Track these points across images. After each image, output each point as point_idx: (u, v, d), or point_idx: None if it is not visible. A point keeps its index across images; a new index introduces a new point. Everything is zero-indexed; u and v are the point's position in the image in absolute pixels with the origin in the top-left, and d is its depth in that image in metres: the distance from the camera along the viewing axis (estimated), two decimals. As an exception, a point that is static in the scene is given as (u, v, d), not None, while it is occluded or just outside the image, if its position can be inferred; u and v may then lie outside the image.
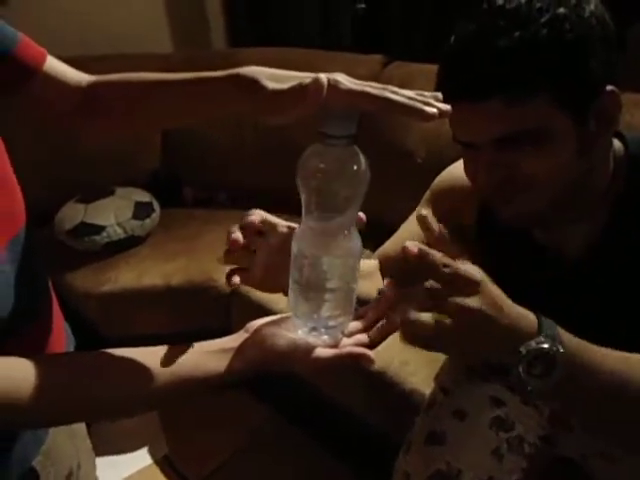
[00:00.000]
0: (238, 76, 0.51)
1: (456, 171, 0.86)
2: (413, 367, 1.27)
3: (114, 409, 0.55)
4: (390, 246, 0.94)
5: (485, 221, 0.81)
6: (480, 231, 0.83)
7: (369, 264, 0.88)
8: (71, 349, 0.71)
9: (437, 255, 0.48)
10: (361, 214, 0.56)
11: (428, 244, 0.53)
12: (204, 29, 2.43)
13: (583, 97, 0.61)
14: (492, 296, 0.50)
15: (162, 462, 1.62)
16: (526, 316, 0.53)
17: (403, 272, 0.51)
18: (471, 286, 0.49)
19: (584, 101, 0.61)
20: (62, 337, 0.67)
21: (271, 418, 1.74)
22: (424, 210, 0.90)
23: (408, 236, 0.91)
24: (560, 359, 0.51)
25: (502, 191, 0.66)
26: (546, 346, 0.51)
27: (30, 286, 0.58)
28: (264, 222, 0.63)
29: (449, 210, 0.85)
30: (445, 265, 0.48)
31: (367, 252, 1.81)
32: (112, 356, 0.51)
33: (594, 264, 0.71)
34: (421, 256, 0.48)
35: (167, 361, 0.51)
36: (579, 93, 0.60)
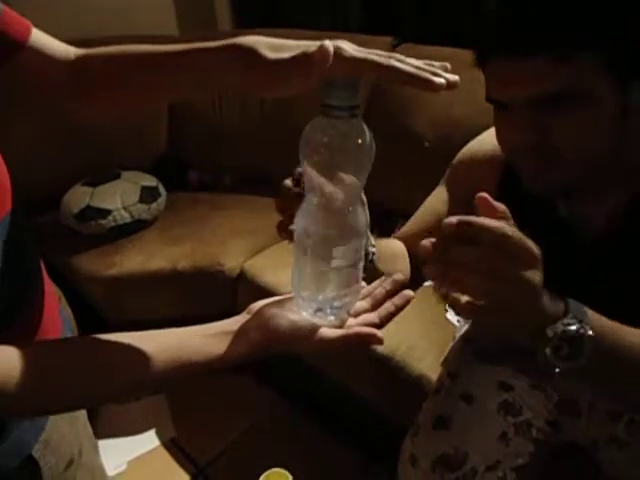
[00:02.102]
0: (235, 46, 0.49)
1: (476, 144, 0.85)
2: (420, 352, 1.27)
3: (111, 395, 0.54)
4: (413, 227, 0.92)
5: (506, 194, 0.79)
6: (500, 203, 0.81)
7: (394, 245, 0.87)
8: (68, 334, 0.69)
9: (495, 222, 0.47)
10: None
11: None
12: (210, 10, 2.40)
13: (633, 63, 0.58)
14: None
15: (169, 444, 1.63)
16: (555, 298, 0.52)
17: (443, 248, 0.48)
18: (532, 260, 0.48)
19: (633, 68, 0.58)
20: (57, 322, 0.65)
21: (277, 402, 1.75)
22: (442, 190, 0.89)
23: (431, 214, 0.89)
24: (587, 341, 0.51)
25: (533, 157, 0.64)
26: (573, 328, 0.51)
27: (19, 274, 0.56)
28: None
29: (468, 183, 0.84)
30: (505, 233, 0.46)
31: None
32: (108, 342, 0.50)
33: (618, 240, 0.69)
34: (478, 224, 0.46)
35: (167, 345, 0.50)
36: (629, 58, 0.58)
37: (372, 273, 0.57)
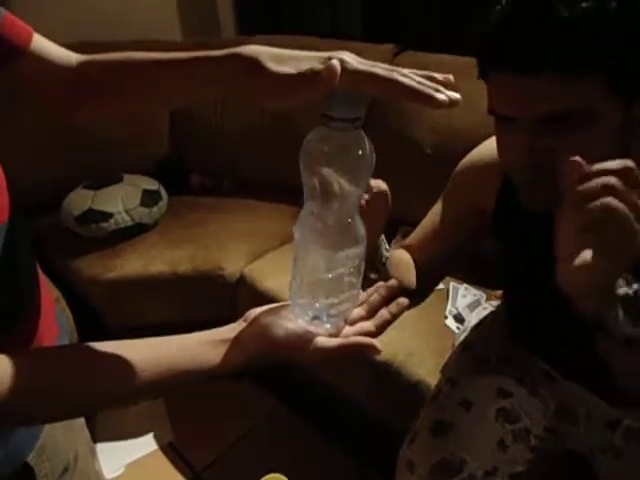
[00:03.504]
0: (237, 56, 0.48)
1: (475, 154, 0.85)
2: (419, 358, 1.27)
3: (105, 404, 0.53)
4: (416, 236, 0.94)
5: (505, 204, 0.79)
6: (499, 213, 0.81)
7: (403, 254, 0.88)
8: (65, 338, 0.69)
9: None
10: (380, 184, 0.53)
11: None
12: (213, 17, 2.42)
13: (635, 80, 0.57)
14: None
15: (167, 448, 1.63)
16: None
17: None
18: None
19: (635, 84, 0.57)
20: (53, 327, 0.65)
21: (275, 407, 1.74)
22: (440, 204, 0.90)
23: (432, 226, 0.91)
24: None
25: (533, 175, 0.63)
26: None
27: (16, 280, 0.56)
28: None
29: (468, 194, 0.84)
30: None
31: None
32: (103, 350, 0.49)
33: None
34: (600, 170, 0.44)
35: (163, 353, 0.50)
36: (632, 75, 0.57)
37: (384, 276, 0.57)
